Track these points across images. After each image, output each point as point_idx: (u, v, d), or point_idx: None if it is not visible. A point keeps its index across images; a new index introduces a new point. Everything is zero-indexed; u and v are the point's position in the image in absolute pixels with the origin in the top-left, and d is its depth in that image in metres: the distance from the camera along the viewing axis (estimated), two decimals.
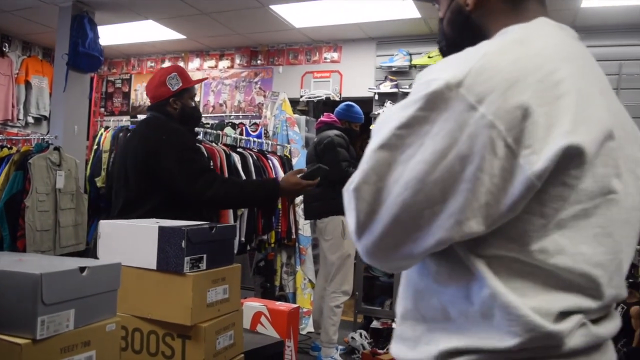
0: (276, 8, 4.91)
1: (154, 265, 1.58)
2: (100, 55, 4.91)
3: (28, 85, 6.15)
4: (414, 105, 0.71)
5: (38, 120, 6.33)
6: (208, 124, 5.56)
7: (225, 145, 4.34)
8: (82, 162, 4.90)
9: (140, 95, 6.75)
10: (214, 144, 4.18)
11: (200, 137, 4.18)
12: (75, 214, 4.14)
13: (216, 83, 6.35)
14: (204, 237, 1.61)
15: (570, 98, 0.69)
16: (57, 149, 4.08)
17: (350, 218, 0.78)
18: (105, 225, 1.70)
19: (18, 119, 6.07)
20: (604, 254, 0.73)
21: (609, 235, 0.73)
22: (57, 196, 3.98)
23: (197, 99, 6.35)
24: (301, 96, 5.88)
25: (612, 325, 0.78)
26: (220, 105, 6.31)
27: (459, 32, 0.89)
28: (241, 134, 5.14)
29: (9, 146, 4.28)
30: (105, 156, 5.54)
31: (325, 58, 5.87)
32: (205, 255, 1.61)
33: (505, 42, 0.74)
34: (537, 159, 0.66)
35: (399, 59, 5.40)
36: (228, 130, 5.17)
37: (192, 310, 1.53)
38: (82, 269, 1.18)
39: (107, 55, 5.17)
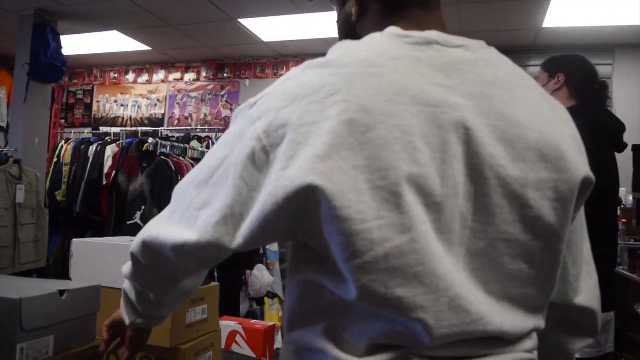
0: (245, 22, 4.89)
1: None
2: (62, 65, 4.78)
3: None
4: (232, 123, 0.79)
5: None
6: (174, 137, 5.49)
7: (192, 159, 4.29)
8: (43, 176, 4.75)
9: (102, 106, 6.60)
10: (181, 158, 4.13)
11: (167, 150, 4.12)
12: (35, 230, 4.00)
13: (182, 96, 6.27)
14: None
15: (336, 122, 0.64)
16: (17, 162, 3.94)
17: (161, 215, 0.87)
18: (78, 244, 1.64)
19: None
20: (425, 295, 0.65)
21: (431, 273, 0.65)
22: (17, 211, 3.84)
23: (161, 111, 6.28)
24: None
25: None
26: (186, 118, 6.22)
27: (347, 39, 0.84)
28: (208, 147, 5.09)
29: None
30: (66, 169, 5.40)
31: None
32: None
33: (310, 65, 0.73)
34: (282, 175, 0.65)
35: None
36: (194, 143, 5.11)
37: (172, 332, 1.48)
38: (61, 292, 1.12)
39: (69, 65, 5.05)
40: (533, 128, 0.73)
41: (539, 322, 0.78)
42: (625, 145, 2.03)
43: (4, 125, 6.03)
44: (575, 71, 2.05)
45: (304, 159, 0.63)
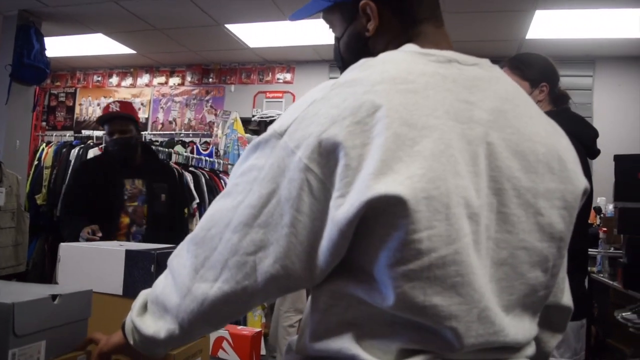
0: (231, 27, 4.89)
1: (119, 291, 1.51)
2: (46, 67, 4.72)
3: None
4: (252, 154, 0.76)
5: None
6: (157, 141, 5.45)
7: (177, 164, 4.27)
8: (24, 179, 4.68)
9: (85, 110, 6.54)
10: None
11: None
12: (15, 233, 3.93)
13: (166, 100, 6.23)
14: None
15: (384, 137, 0.65)
16: None
17: (184, 268, 0.80)
18: (66, 248, 1.62)
19: None
20: (459, 304, 0.67)
21: (469, 284, 0.68)
22: None
23: (144, 115, 6.22)
24: (253, 116, 5.85)
25: None
26: (170, 122, 6.19)
27: (356, 56, 0.83)
28: (192, 152, 5.06)
29: None
30: (47, 172, 5.32)
31: (278, 78, 5.87)
32: None
33: (336, 84, 0.73)
34: (342, 203, 0.66)
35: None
36: (178, 148, 5.08)
37: None
38: (53, 297, 1.11)
39: (52, 67, 5.00)
40: (540, 141, 0.78)
41: (536, 327, 0.82)
42: (598, 152, 2.03)
43: None
44: (553, 78, 2.01)
45: (360, 181, 0.64)
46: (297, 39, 5.09)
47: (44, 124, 6.65)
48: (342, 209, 0.65)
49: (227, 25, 4.83)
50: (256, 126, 6.06)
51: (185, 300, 0.79)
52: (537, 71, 2.03)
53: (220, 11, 4.51)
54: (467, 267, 0.67)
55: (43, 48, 4.73)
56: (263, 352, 4.08)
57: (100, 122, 3.08)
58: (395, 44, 0.81)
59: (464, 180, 0.68)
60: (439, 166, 0.66)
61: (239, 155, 5.37)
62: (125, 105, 3.15)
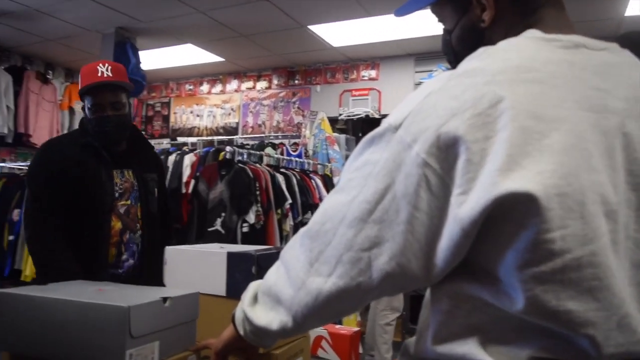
0: (314, 28, 4.93)
1: (223, 292, 1.55)
2: (142, 80, 4.99)
3: (71, 111, 6.27)
4: (366, 149, 0.74)
5: None
6: (248, 144, 5.60)
7: (268, 165, 4.36)
8: None
9: (179, 117, 6.84)
10: (257, 165, 4.20)
11: (244, 158, 4.20)
12: None
13: (254, 104, 6.40)
14: (274, 261, 1.58)
15: (509, 131, 0.61)
16: None
17: (298, 261, 0.79)
18: (171, 251, 1.69)
19: None
20: (597, 310, 0.62)
21: (607, 289, 0.62)
22: None
23: (235, 120, 6.41)
24: (340, 114, 5.87)
25: None
26: (259, 125, 6.35)
27: (471, 49, 0.77)
28: (282, 154, 5.16)
29: None
30: None
31: (363, 76, 5.86)
32: None
33: (454, 75, 0.69)
34: (464, 200, 0.62)
35: (438, 75, 5.35)
36: (269, 150, 5.19)
37: None
38: (164, 300, 1.16)
39: (147, 79, 5.27)
40: None
41: None
42: None
43: None
44: None
45: (485, 177, 0.61)
46: (380, 34, 5.05)
47: (142, 133, 7.03)
48: (465, 206, 0.62)
49: (309, 27, 4.88)
50: (343, 125, 6.08)
51: (299, 293, 0.78)
52: None
53: (302, 13, 4.56)
54: (605, 269, 0.62)
55: (139, 62, 5.00)
56: (360, 350, 4.09)
57: (85, 92, 2.12)
58: (514, 33, 0.76)
59: (600, 176, 0.63)
60: (571, 161, 0.62)
61: (327, 154, 5.41)
62: (119, 69, 2.18)
